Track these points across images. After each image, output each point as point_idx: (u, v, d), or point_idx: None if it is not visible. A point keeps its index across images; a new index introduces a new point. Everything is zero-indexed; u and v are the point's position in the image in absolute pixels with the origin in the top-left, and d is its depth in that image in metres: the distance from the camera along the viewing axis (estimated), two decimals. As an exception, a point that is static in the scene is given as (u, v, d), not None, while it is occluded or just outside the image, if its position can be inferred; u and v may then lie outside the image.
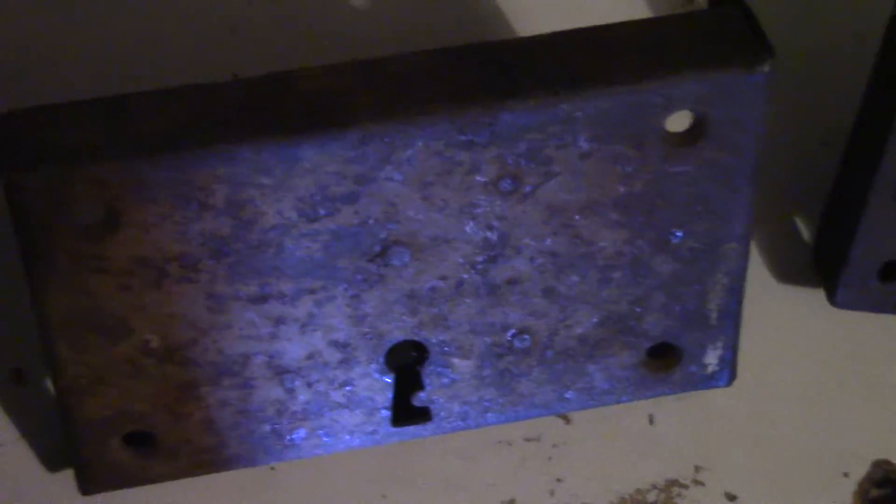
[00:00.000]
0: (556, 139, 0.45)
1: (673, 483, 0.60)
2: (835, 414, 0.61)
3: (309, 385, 0.50)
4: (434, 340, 0.50)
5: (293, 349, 0.49)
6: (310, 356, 0.49)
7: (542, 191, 0.46)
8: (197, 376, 0.49)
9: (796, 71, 0.60)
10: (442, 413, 0.53)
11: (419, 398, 0.51)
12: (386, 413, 0.52)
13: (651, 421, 0.60)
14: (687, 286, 0.51)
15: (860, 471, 0.61)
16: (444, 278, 0.48)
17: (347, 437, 0.53)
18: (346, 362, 0.50)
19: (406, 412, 0.52)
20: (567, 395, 0.53)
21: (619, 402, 0.55)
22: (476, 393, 0.52)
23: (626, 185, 0.47)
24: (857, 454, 0.61)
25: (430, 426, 0.53)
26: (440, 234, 0.47)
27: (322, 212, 0.45)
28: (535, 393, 0.53)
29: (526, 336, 0.51)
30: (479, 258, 0.48)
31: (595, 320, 0.51)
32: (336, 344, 0.49)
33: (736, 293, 0.52)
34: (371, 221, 0.46)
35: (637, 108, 0.45)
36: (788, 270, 0.62)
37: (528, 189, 0.46)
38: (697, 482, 0.60)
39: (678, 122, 0.46)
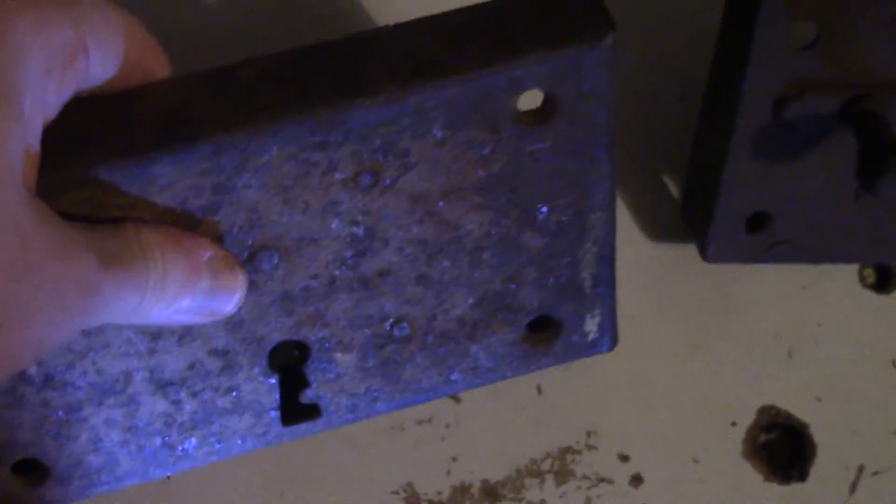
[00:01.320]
0: (409, 130, 0.45)
1: (567, 450, 0.60)
2: (717, 366, 0.62)
3: (194, 395, 0.50)
4: (313, 338, 0.50)
5: (173, 362, 0.49)
6: (191, 366, 0.49)
7: (402, 182, 0.46)
8: (79, 399, 0.48)
9: (649, 27, 0.61)
10: (331, 408, 0.53)
11: (306, 396, 0.52)
12: (275, 414, 0.52)
13: (539, 391, 0.60)
14: (557, 259, 0.51)
15: (747, 419, 0.63)
16: (315, 277, 0.48)
17: (239, 441, 0.53)
18: (228, 369, 0.50)
19: (294, 411, 0.52)
20: (453, 377, 0.54)
21: (504, 378, 0.55)
22: (362, 384, 0.53)
23: (484, 167, 0.47)
24: (742, 403, 0.62)
25: (320, 422, 0.53)
26: (306, 235, 0.47)
27: (183, 225, 0.44)
28: (421, 378, 0.53)
29: (404, 324, 0.51)
30: (348, 254, 0.48)
31: (471, 301, 0.51)
32: (216, 352, 0.49)
33: (606, 260, 0.52)
34: (235, 230, 0.45)
35: (485, 92, 0.45)
36: (659, 228, 0.63)
37: (387, 182, 0.46)
38: (590, 447, 0.61)
39: (530, 100, 0.46)
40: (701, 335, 0.62)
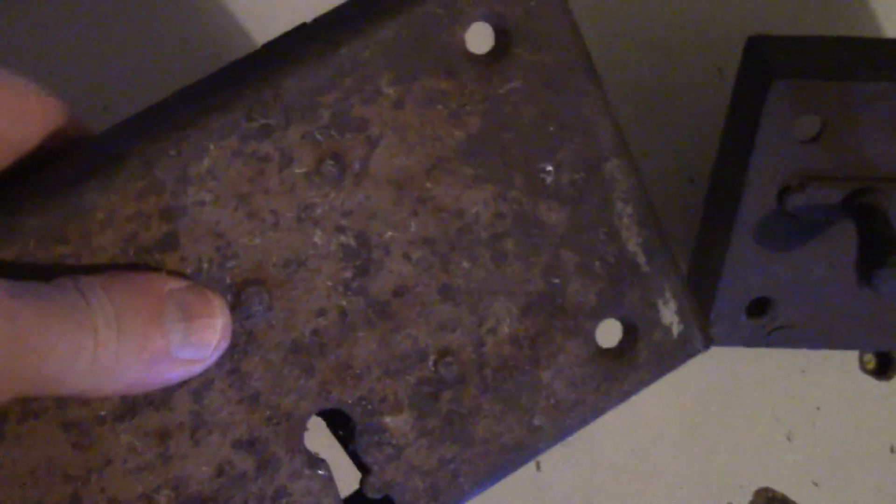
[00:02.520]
0: (356, 94, 0.40)
1: (564, 526, 0.61)
2: (715, 446, 0.63)
3: None
4: (350, 402, 0.41)
5: (196, 469, 0.39)
6: (219, 471, 0.40)
7: (374, 164, 0.40)
8: None
9: (664, 108, 0.61)
10: (407, 497, 0.42)
11: (371, 486, 0.42)
12: None
13: (538, 467, 0.61)
14: (592, 231, 0.43)
15: (743, 500, 0.63)
16: (321, 314, 0.40)
17: None
18: (264, 466, 0.40)
19: None
20: (535, 422, 0.43)
21: (598, 414, 0.45)
22: (433, 455, 0.42)
23: (461, 127, 0.41)
24: (739, 484, 0.63)
25: None
26: (291, 258, 0.40)
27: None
28: (500, 431, 0.43)
29: (450, 359, 0.42)
30: (348, 274, 0.41)
31: (516, 311, 0.43)
32: (241, 445, 0.40)
33: (649, 220, 0.44)
34: (206, 265, 0.39)
35: (423, 28, 0.40)
36: (663, 309, 0.63)
37: (357, 166, 0.40)
38: (587, 523, 0.61)
39: (479, 39, 0.42)
40: (701, 415, 0.63)
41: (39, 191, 0.37)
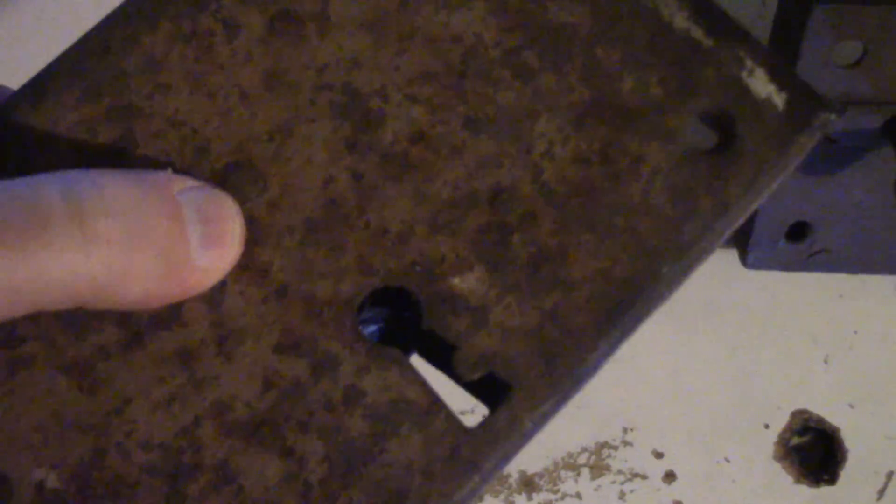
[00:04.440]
0: None
1: (603, 445, 0.62)
2: (753, 369, 0.64)
3: (304, 429, 0.33)
4: (401, 271, 0.34)
5: (237, 387, 0.33)
6: (267, 384, 0.33)
7: (334, 9, 0.35)
8: (150, 503, 0.32)
9: None
10: (518, 368, 0.33)
11: (466, 363, 0.33)
12: (446, 410, 0.34)
13: (579, 387, 0.62)
14: (622, 21, 0.36)
15: (780, 422, 0.64)
16: (330, 181, 0.35)
17: (427, 483, 0.33)
18: (320, 368, 0.33)
19: (479, 393, 0.34)
20: (646, 246, 0.34)
21: (722, 223, 0.34)
22: (530, 310, 0.34)
23: None
24: (776, 406, 0.64)
25: (520, 398, 0.33)
26: (272, 128, 0.35)
27: None
28: (604, 267, 0.34)
29: (505, 196, 0.35)
30: (348, 130, 0.35)
31: (569, 127, 0.35)
32: (284, 348, 0.34)
33: None
34: (176, 159, 0.34)
35: None
36: (702, 234, 0.64)
37: (317, 16, 0.35)
38: (626, 443, 0.62)
39: None
40: (739, 338, 0.64)
41: None
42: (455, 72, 0.35)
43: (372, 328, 0.35)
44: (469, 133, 0.34)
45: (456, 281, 0.33)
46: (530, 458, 0.61)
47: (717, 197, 0.34)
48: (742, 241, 0.60)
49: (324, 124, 0.34)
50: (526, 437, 0.33)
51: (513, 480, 0.61)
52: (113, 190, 0.30)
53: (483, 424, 0.33)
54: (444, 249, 0.34)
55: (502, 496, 0.61)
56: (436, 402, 0.33)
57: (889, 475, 0.64)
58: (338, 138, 0.34)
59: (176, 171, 0.33)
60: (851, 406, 0.64)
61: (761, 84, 0.35)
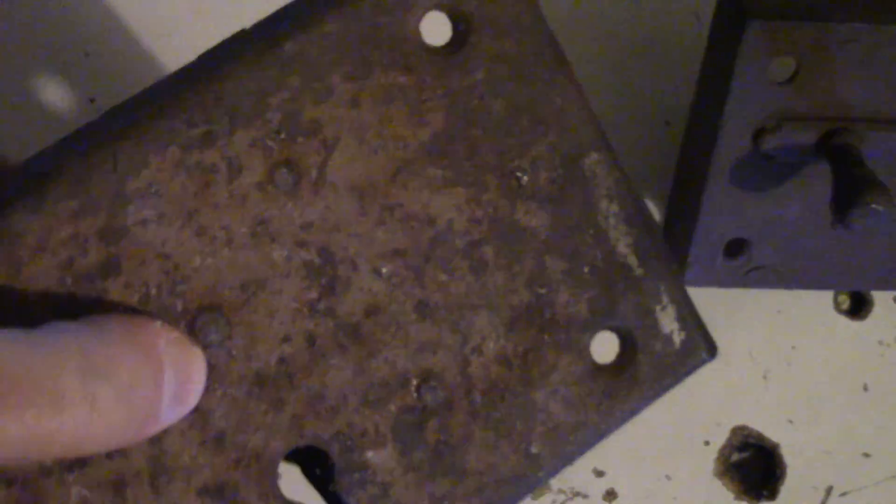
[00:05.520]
0: (307, 93, 0.36)
1: (543, 465, 0.62)
2: (692, 386, 0.63)
3: None
4: (327, 437, 0.37)
5: None
6: None
7: (331, 170, 0.37)
8: None
9: (641, 53, 0.62)
10: None
11: None
12: None
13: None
14: (577, 234, 0.40)
15: (720, 438, 0.64)
16: (286, 340, 0.36)
17: None
18: None
19: None
20: (532, 450, 0.40)
21: (602, 436, 0.41)
22: (423, 492, 0.38)
23: (423, 125, 0.38)
24: (716, 422, 0.64)
25: None
26: (248, 278, 0.36)
27: (84, 300, 0.34)
28: (495, 462, 0.39)
29: (433, 383, 0.38)
30: (313, 293, 0.37)
31: (501, 327, 0.39)
32: (208, 491, 0.36)
33: (638, 219, 0.41)
34: (154, 291, 0.35)
35: (372, 20, 0.37)
36: (640, 251, 0.64)
37: (314, 173, 0.36)
38: (566, 462, 0.62)
39: (436, 29, 0.39)
40: (678, 355, 0.63)
41: None
42: (422, 254, 0.38)
43: None
44: (417, 316, 0.38)
45: (370, 455, 0.37)
46: (470, 479, 0.60)
47: (603, 415, 0.40)
48: (680, 259, 0.60)
49: (294, 283, 0.36)
50: None
51: (452, 502, 0.61)
52: (117, 357, 0.32)
53: None
54: (368, 424, 0.37)
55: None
56: None
57: (828, 490, 0.64)
58: (303, 299, 0.36)
59: (150, 303, 0.34)
60: (790, 422, 0.64)
61: (669, 320, 0.41)
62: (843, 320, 0.65)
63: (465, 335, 0.39)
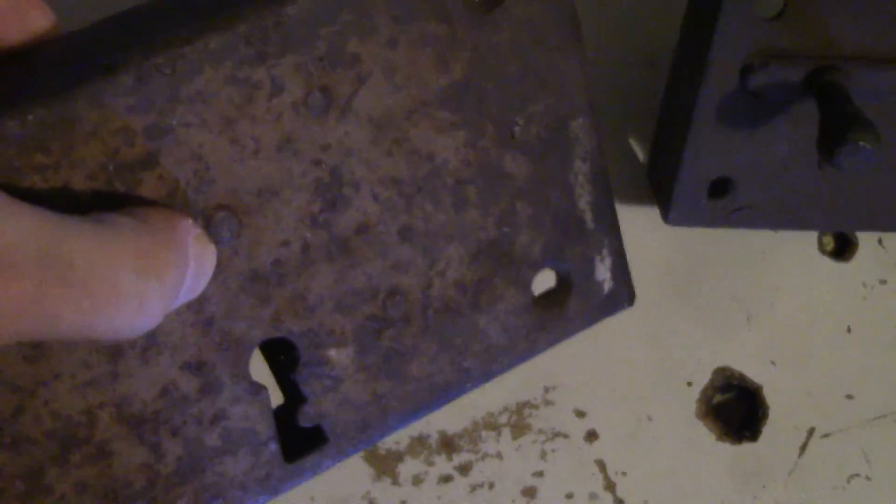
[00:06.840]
0: (354, 30, 0.39)
1: (524, 404, 0.61)
2: (674, 327, 0.63)
3: (174, 433, 0.40)
4: (298, 332, 0.41)
5: (142, 388, 0.39)
6: (164, 392, 0.40)
7: (358, 101, 0.40)
8: (39, 458, 0.38)
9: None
10: (338, 429, 0.44)
11: (305, 415, 0.43)
12: (276, 446, 0.42)
13: (500, 346, 0.61)
14: (548, 187, 0.45)
15: (702, 379, 0.64)
16: (285, 244, 0.40)
17: (239, 492, 0.42)
18: (208, 389, 0.40)
19: (297, 439, 0.43)
20: (466, 364, 0.46)
21: (522, 360, 0.47)
22: (367, 389, 0.44)
23: (445, 72, 0.42)
24: (698, 363, 0.64)
25: (329, 451, 0.44)
26: (265, 186, 0.39)
27: (121, 187, 0.37)
28: (432, 371, 0.45)
29: (398, 297, 0.43)
30: (317, 207, 0.40)
31: (466, 257, 0.44)
32: (189, 367, 0.40)
33: (601, 182, 0.47)
34: (183, 187, 0.38)
35: None
36: (624, 190, 0.64)
37: (343, 101, 0.40)
38: (548, 402, 0.62)
39: None
40: (661, 296, 0.63)
41: (22, 94, 0.35)
42: (416, 185, 0.42)
43: None
44: (399, 238, 0.43)
45: (332, 352, 0.42)
46: (450, 418, 0.60)
47: (531, 343, 0.47)
48: (664, 198, 0.59)
49: (303, 195, 0.40)
50: (319, 474, 0.44)
51: (433, 441, 0.60)
52: (165, 258, 0.35)
53: (295, 462, 0.43)
54: (336, 326, 0.42)
55: (422, 457, 0.61)
56: (272, 438, 0.42)
57: (810, 431, 0.64)
58: (307, 211, 0.40)
59: (177, 197, 0.37)
60: (773, 363, 0.64)
61: (604, 270, 0.48)
62: (828, 262, 0.65)
63: (433, 260, 0.44)
